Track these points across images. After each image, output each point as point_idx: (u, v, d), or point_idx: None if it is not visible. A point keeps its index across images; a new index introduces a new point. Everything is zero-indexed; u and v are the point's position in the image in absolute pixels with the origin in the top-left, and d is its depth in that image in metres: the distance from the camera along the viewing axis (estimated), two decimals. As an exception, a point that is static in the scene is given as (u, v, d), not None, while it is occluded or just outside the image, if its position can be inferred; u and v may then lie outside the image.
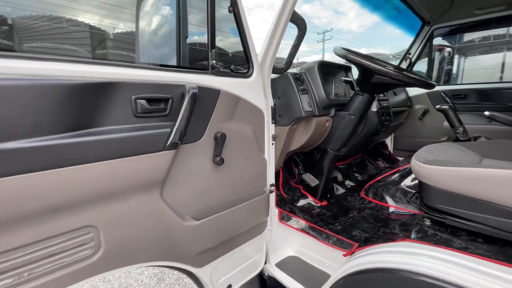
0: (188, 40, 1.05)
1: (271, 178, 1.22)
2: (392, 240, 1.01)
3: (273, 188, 1.24)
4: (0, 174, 0.48)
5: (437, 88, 2.43)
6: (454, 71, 2.81)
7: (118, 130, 0.63)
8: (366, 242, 1.11)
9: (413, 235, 0.95)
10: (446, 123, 2.09)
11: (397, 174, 1.46)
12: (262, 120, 1.08)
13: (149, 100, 0.70)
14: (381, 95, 1.80)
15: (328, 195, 1.60)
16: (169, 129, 0.72)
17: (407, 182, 1.41)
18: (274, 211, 1.31)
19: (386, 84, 1.19)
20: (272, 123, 1.16)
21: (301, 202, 1.51)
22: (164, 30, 1.08)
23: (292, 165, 1.67)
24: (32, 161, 0.51)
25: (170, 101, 0.74)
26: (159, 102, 0.73)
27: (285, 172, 1.61)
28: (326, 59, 1.52)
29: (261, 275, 1.35)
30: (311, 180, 1.40)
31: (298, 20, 1.12)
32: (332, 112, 1.41)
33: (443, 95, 2.33)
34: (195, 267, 0.92)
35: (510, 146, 1.08)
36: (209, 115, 0.86)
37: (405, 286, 0.77)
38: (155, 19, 1.11)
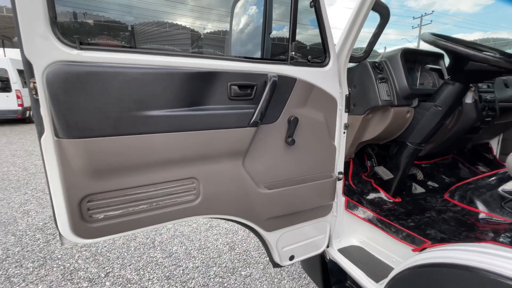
0: (271, 35, 1.20)
1: (340, 166, 1.26)
2: (476, 241, 0.93)
3: (341, 176, 1.28)
4: (149, 131, 0.73)
5: None
6: None
7: (218, 108, 0.83)
8: (442, 242, 1.04)
9: (502, 239, 0.86)
10: None
11: (494, 177, 1.26)
12: (335, 108, 1.14)
13: (240, 86, 0.87)
14: (484, 86, 1.55)
15: (404, 193, 1.51)
16: (252, 110, 0.88)
17: (508, 187, 1.21)
18: (340, 199, 1.35)
19: (483, 71, 1.05)
20: (346, 111, 1.20)
21: (371, 196, 1.48)
22: (252, 27, 1.26)
23: (364, 157, 1.64)
24: (166, 125, 0.75)
25: (255, 87, 0.90)
26: (246, 88, 0.89)
27: (356, 164, 1.60)
28: (421, 48, 1.41)
29: (322, 258, 1.41)
30: (384, 173, 1.36)
31: (381, 9, 1.11)
32: (415, 102, 1.32)
33: None
34: (264, 230, 1.08)
35: None
36: (285, 101, 0.98)
37: None
38: (245, 18, 1.30)
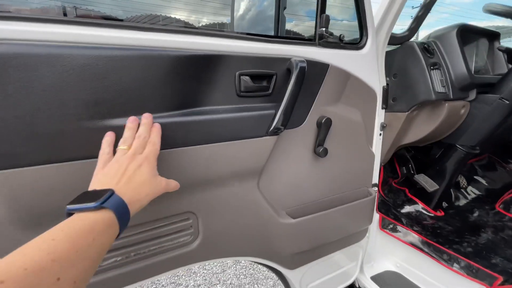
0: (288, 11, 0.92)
1: (376, 177, 1.00)
2: None
3: (376, 189, 1.02)
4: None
5: None
6: None
7: (222, 110, 0.55)
8: None
9: None
10: None
11: None
12: (374, 103, 0.87)
13: (253, 77, 0.60)
14: None
15: (446, 204, 1.25)
16: (272, 111, 0.61)
17: None
18: (374, 216, 1.09)
19: None
20: (383, 108, 0.93)
21: (407, 209, 1.22)
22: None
23: (394, 161, 1.38)
24: None
25: (274, 78, 0.62)
26: (262, 79, 0.62)
27: (386, 169, 1.34)
28: (420, 39, 1.12)
29: (352, 285, 1.17)
30: (427, 183, 1.10)
31: None
32: (472, 95, 1.04)
33: None
34: (286, 268, 0.82)
35: None
36: (313, 96, 0.71)
37: None
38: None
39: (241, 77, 0.57)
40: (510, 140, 1.79)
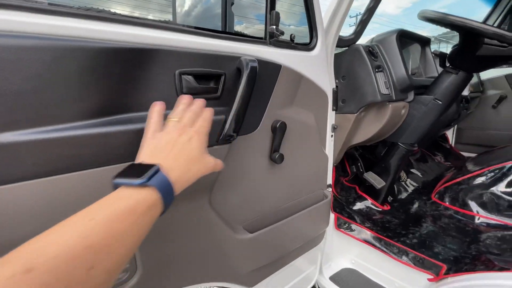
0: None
1: (329, 178, 1.00)
2: (502, 268, 0.76)
3: (330, 190, 1.03)
4: (6, 179, 0.33)
5: (519, 69, 1.99)
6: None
7: None
8: (458, 264, 0.87)
9: None
10: None
11: (488, 176, 1.16)
12: (326, 105, 0.86)
13: (197, 77, 0.51)
14: None
15: (391, 198, 1.34)
16: (223, 117, 0.53)
17: (502, 187, 1.11)
18: (330, 216, 1.10)
19: (497, 57, 0.90)
20: (333, 110, 0.94)
21: (358, 205, 1.27)
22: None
23: (344, 160, 1.43)
24: (46, 159, 0.35)
25: (222, 79, 0.55)
26: (208, 80, 0.54)
27: (338, 169, 1.38)
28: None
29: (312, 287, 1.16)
30: (376, 181, 1.15)
31: None
32: (411, 96, 1.13)
33: None
34: (246, 286, 0.75)
35: None
36: (267, 98, 0.65)
37: None
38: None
39: (182, 76, 0.48)
40: (437, 135, 2.05)
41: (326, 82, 0.85)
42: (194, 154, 0.40)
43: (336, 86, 0.94)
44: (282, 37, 0.70)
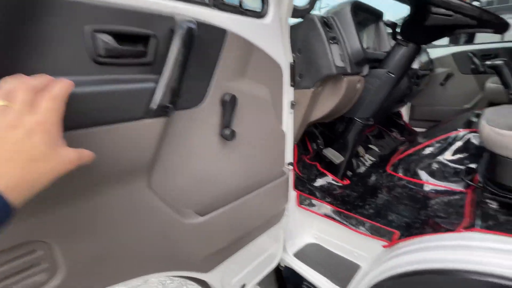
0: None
1: (289, 156, 0.98)
2: (447, 230, 0.81)
3: (291, 167, 1.02)
4: None
5: (462, 48, 2.15)
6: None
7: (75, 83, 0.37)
8: (409, 229, 0.91)
9: (478, 223, 0.74)
10: (490, 84, 1.82)
11: (435, 146, 1.23)
12: (281, 80, 0.82)
13: (118, 37, 0.43)
14: None
15: (350, 173, 1.38)
16: (152, 85, 0.46)
17: (448, 155, 1.19)
18: (292, 194, 1.09)
19: (445, 27, 0.92)
20: (291, 85, 0.90)
21: (320, 182, 1.29)
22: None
23: (305, 138, 1.43)
24: None
25: (153, 41, 0.47)
26: (135, 41, 0.46)
27: (299, 147, 1.38)
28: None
29: (277, 265, 1.17)
30: (335, 156, 1.17)
31: None
32: (366, 70, 1.13)
33: (471, 55, 2.05)
34: (202, 272, 0.71)
35: None
36: (212, 68, 0.59)
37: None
38: None
39: (96, 35, 0.40)
40: (392, 112, 2.15)
41: (281, 54, 0.80)
42: (38, 151, 0.30)
43: (294, 61, 0.90)
44: (229, 1, 0.63)
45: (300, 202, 1.13)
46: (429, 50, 2.21)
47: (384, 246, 0.89)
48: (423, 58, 2.07)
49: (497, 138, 0.69)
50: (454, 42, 2.27)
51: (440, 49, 2.24)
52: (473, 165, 1.11)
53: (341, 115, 1.24)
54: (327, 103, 1.06)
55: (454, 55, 2.14)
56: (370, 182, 1.31)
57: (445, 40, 2.29)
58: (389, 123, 2.25)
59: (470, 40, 2.38)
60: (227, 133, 0.62)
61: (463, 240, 0.68)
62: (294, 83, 0.92)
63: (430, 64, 2.19)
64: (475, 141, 1.13)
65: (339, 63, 0.95)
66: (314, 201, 1.14)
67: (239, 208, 0.72)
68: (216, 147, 0.64)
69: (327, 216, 1.09)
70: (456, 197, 1.03)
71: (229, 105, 0.61)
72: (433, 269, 0.66)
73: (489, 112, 0.82)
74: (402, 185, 1.23)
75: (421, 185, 1.20)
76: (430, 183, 1.18)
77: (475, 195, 0.93)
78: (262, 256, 0.99)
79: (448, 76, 2.18)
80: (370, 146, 1.72)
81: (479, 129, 0.77)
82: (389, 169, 1.37)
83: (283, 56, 0.80)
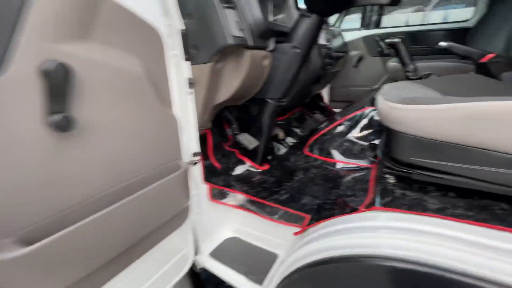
0: None
1: (194, 145, 0.84)
2: (353, 209, 0.80)
3: (197, 158, 0.87)
4: None
5: (371, 32, 2.31)
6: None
7: None
8: (319, 212, 0.89)
9: (378, 201, 0.74)
10: (391, 63, 1.98)
11: (346, 124, 1.26)
12: (161, 49, 0.64)
13: None
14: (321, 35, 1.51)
15: (270, 157, 1.32)
16: None
17: (356, 133, 1.23)
18: (202, 189, 0.96)
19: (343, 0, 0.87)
20: (186, 59, 0.74)
21: (238, 170, 1.19)
22: None
23: (223, 124, 1.31)
24: None
25: None
26: None
27: (216, 134, 1.24)
28: None
29: (193, 269, 1.04)
30: (248, 141, 1.07)
31: None
32: (272, 45, 1.03)
33: (378, 38, 2.22)
34: None
35: (468, 81, 0.94)
36: (9, 20, 0.38)
37: (387, 276, 0.55)
38: None
39: None
40: (312, 94, 2.20)
41: (158, 16, 0.62)
42: None
43: (186, 28, 0.73)
44: None
45: (213, 196, 1.01)
46: (343, 33, 2.32)
47: (294, 234, 0.85)
48: (338, 40, 2.15)
49: (390, 112, 0.68)
50: (365, 26, 2.43)
51: (353, 33, 2.37)
52: (376, 141, 1.16)
53: (254, 97, 1.15)
54: (231, 82, 0.93)
55: (364, 38, 2.29)
56: (289, 164, 1.28)
57: (357, 24, 2.44)
58: (311, 106, 2.31)
59: (377, 24, 2.59)
60: (57, 120, 0.42)
61: (365, 221, 0.66)
62: (190, 57, 0.76)
63: (345, 46, 2.30)
64: (377, 117, 1.18)
65: (237, 32, 0.82)
66: (229, 193, 1.03)
67: (114, 216, 0.54)
68: (43, 143, 0.44)
69: (243, 207, 1.00)
70: (362, 173, 1.07)
71: (54, 77, 0.41)
72: (337, 257, 0.62)
73: (385, 88, 0.82)
74: (317, 166, 1.23)
75: (334, 164, 1.21)
76: (341, 161, 1.20)
77: (377, 171, 0.96)
78: (170, 263, 0.85)
79: (360, 59, 2.33)
80: (292, 128, 1.71)
81: (377, 105, 0.77)
82: (306, 151, 1.36)
83: (161, 19, 0.63)
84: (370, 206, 0.73)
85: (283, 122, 1.71)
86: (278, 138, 1.47)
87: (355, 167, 1.15)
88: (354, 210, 0.79)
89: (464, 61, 1.41)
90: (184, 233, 0.88)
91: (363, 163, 1.16)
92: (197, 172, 0.93)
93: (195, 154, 0.87)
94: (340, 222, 0.73)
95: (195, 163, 0.90)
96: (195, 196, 0.94)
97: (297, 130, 1.73)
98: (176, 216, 0.79)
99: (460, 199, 0.67)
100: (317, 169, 1.20)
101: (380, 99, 0.74)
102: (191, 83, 0.79)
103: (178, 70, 0.73)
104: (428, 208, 0.64)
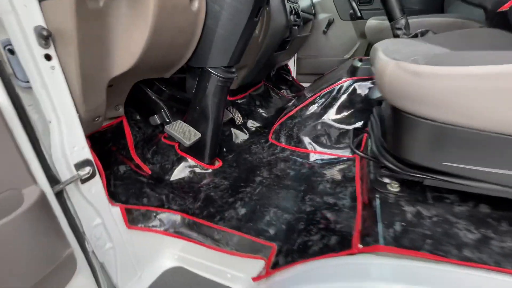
0: None
1: (77, 151, 0.48)
2: (341, 240, 0.52)
3: (88, 170, 0.52)
4: None
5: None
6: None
7: None
8: (289, 239, 0.61)
9: (380, 230, 0.47)
10: (372, 21, 1.65)
11: (320, 102, 0.96)
12: None
13: None
14: None
15: (224, 149, 1.00)
16: None
17: (332, 114, 0.94)
18: (109, 214, 0.62)
19: None
20: None
21: (177, 173, 0.85)
22: None
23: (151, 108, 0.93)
24: None
25: None
26: None
27: (140, 123, 0.87)
28: None
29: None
30: (185, 134, 0.73)
31: None
32: None
33: (350, 0, 1.90)
34: None
35: (487, 37, 0.67)
36: None
37: None
38: None
39: None
40: (278, 65, 1.86)
41: None
42: None
43: None
44: None
45: (132, 221, 0.67)
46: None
47: (253, 279, 0.56)
48: (305, 1, 1.80)
49: (411, 81, 0.38)
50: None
51: (322, -7, 2.03)
52: (360, 123, 0.89)
53: (189, 66, 0.78)
54: (132, 36, 0.55)
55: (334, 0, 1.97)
56: (249, 159, 0.97)
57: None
58: (277, 80, 1.99)
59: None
60: None
61: (366, 280, 0.39)
62: None
63: (313, 8, 1.96)
64: (361, 91, 0.90)
65: None
66: (157, 213, 0.70)
67: None
68: None
69: (178, 235, 0.68)
70: (343, 166, 0.80)
71: None
72: None
73: (384, 44, 0.52)
74: (284, 158, 0.94)
75: (307, 156, 0.93)
76: (315, 152, 0.92)
77: (365, 168, 0.69)
78: None
79: (330, 23, 2.02)
80: (253, 108, 1.37)
81: (377, 69, 0.47)
82: (271, 138, 1.05)
83: None
84: (369, 241, 0.46)
85: (243, 100, 1.36)
86: (235, 123, 1.13)
87: (334, 158, 0.88)
88: (342, 243, 0.51)
89: (467, 17, 1.14)
90: (84, 285, 0.55)
91: (342, 153, 0.89)
92: (95, 191, 0.58)
93: (79, 166, 0.51)
94: (323, 269, 0.45)
95: (88, 179, 0.54)
96: (99, 227, 0.60)
97: (261, 111, 1.41)
98: (47, 277, 0.45)
99: None
100: (285, 164, 0.91)
101: (385, 60, 0.44)
102: (47, 37, 0.42)
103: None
104: (466, 244, 0.38)
